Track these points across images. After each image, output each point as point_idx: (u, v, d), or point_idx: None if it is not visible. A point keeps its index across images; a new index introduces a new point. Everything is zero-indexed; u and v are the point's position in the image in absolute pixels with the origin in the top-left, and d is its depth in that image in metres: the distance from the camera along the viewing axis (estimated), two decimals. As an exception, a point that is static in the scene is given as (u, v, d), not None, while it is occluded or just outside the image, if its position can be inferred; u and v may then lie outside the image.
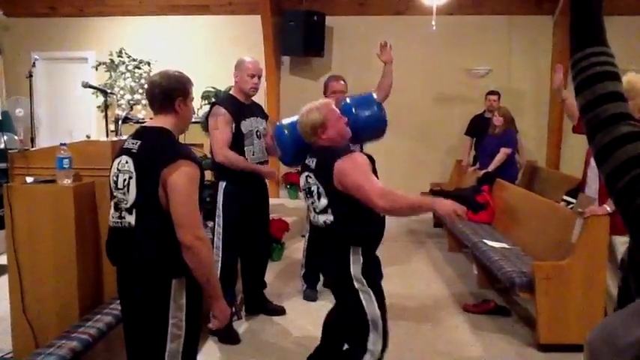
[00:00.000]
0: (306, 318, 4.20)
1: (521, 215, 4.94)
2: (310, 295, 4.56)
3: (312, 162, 2.76)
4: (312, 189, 2.74)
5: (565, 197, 4.86)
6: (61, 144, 2.97)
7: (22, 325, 2.98)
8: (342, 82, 4.43)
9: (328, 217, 2.68)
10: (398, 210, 2.60)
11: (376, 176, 2.71)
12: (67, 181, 2.95)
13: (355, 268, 2.66)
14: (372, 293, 2.68)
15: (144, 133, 2.26)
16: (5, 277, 2.99)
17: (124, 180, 2.17)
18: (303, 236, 4.80)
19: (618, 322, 0.92)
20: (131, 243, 2.18)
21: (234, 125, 3.81)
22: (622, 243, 3.43)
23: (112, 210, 2.24)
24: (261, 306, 4.25)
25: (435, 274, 5.37)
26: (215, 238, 3.89)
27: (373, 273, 2.73)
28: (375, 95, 3.87)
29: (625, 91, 3.92)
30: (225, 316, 2.28)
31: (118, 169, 2.20)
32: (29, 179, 3.07)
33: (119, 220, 2.20)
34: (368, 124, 3.64)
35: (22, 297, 2.97)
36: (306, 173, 2.79)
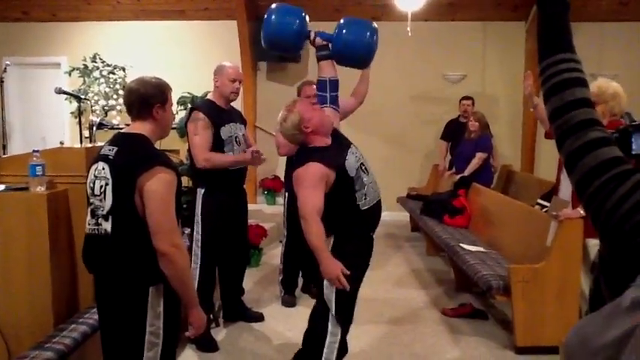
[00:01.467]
0: (284, 324, 4.19)
1: (497, 219, 5.00)
2: (288, 301, 4.55)
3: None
4: None
5: (539, 201, 4.92)
6: (34, 150, 2.92)
7: (-5, 336, 2.91)
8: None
9: None
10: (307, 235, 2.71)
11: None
12: (41, 189, 2.90)
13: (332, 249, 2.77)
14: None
15: (121, 140, 2.24)
16: (-23, 287, 2.92)
17: (101, 186, 2.14)
18: (281, 242, 4.79)
19: (592, 325, 0.94)
20: (107, 250, 2.15)
21: (213, 131, 3.79)
22: (595, 245, 3.49)
23: (89, 217, 2.22)
24: (240, 313, 4.22)
25: (413, 277, 5.40)
26: (193, 245, 3.85)
27: (344, 259, 2.76)
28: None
29: (595, 95, 3.97)
30: (202, 324, 2.26)
31: (94, 176, 2.18)
32: (1, 187, 3.01)
33: (95, 227, 2.18)
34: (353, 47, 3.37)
35: (-6, 307, 2.90)
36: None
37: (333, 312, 2.80)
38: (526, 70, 7.31)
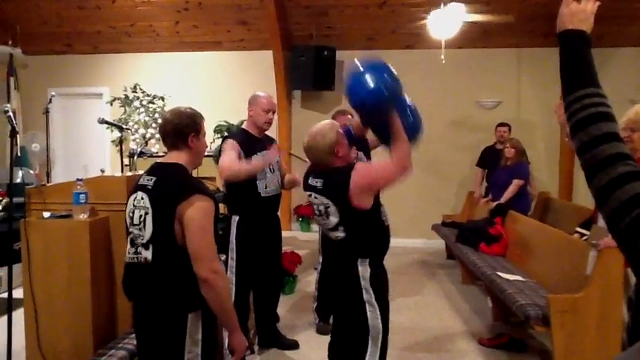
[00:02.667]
0: (318, 351, 4.16)
1: (535, 247, 4.91)
2: (323, 329, 4.53)
3: (317, 182, 2.75)
4: (320, 209, 2.75)
5: (578, 229, 4.81)
6: (78, 179, 3.02)
7: (37, 359, 2.98)
8: (350, 116, 4.46)
9: (340, 234, 2.71)
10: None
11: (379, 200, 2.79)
12: (84, 216, 2.99)
13: (364, 279, 2.67)
14: (377, 306, 2.67)
15: (158, 170, 2.30)
16: (21, 311, 3.01)
17: (140, 216, 2.20)
18: (316, 269, 4.79)
19: (631, 357, 0.93)
20: (148, 278, 2.20)
21: (244, 158, 3.82)
22: (637, 275, 3.40)
23: (128, 246, 2.27)
24: (274, 340, 4.23)
25: (448, 306, 5.33)
26: (228, 272, 3.90)
27: (381, 284, 2.72)
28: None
29: (632, 122, 3.89)
30: (243, 348, 2.27)
31: (134, 205, 2.24)
32: (46, 214, 3.11)
33: (135, 256, 2.23)
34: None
35: (37, 331, 2.98)
36: (312, 194, 2.78)
37: (380, 338, 2.70)
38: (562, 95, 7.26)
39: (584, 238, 4.35)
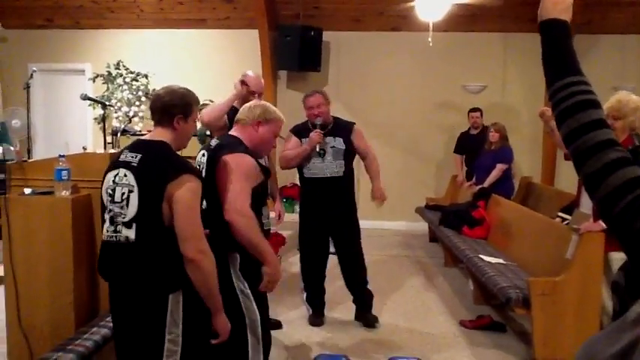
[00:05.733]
0: (302, 331, 4.19)
1: (517, 231, 4.96)
2: (315, 322, 4.41)
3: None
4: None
5: (560, 214, 4.88)
6: (60, 155, 2.98)
7: (17, 337, 2.96)
8: (319, 95, 4.30)
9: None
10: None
11: (265, 191, 2.75)
12: (66, 193, 2.95)
13: (234, 268, 2.57)
14: (251, 296, 2.59)
15: (144, 147, 2.24)
16: (1, 288, 2.98)
17: (123, 193, 2.15)
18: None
19: (601, 339, 0.96)
20: (128, 257, 2.16)
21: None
22: (618, 259, 3.45)
23: (107, 224, 2.21)
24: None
25: (430, 288, 5.38)
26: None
27: (254, 273, 2.58)
28: None
29: (615, 110, 3.91)
30: (226, 330, 2.27)
31: (114, 182, 2.18)
32: (27, 190, 3.07)
33: (114, 235, 2.17)
34: None
35: (18, 308, 2.95)
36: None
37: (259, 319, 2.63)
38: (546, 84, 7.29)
39: (566, 222, 4.41)
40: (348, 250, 4.38)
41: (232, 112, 3.93)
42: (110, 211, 2.19)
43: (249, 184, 2.52)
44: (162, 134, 2.25)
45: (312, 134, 4.17)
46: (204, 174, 2.51)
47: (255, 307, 2.59)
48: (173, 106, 2.23)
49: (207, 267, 2.13)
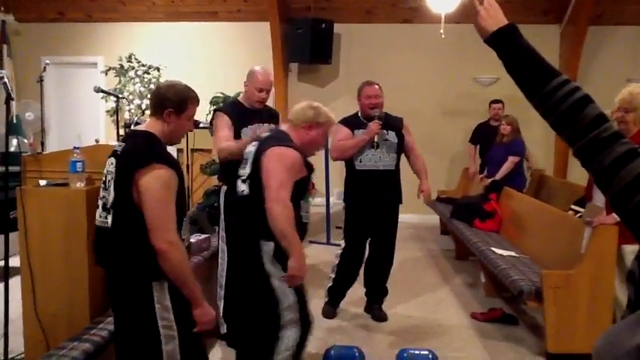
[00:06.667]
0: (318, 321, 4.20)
1: (529, 224, 4.94)
2: (329, 313, 4.42)
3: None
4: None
5: (573, 206, 4.85)
6: (75, 147, 3.00)
7: (34, 327, 2.99)
8: (376, 86, 4.34)
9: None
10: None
11: (307, 185, 2.88)
12: (80, 184, 2.97)
13: (267, 255, 2.71)
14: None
15: (130, 136, 2.33)
16: (18, 279, 3.01)
17: (109, 180, 2.22)
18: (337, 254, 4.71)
19: (622, 329, 0.95)
20: (110, 243, 2.21)
21: (234, 132, 3.72)
22: (632, 252, 3.43)
23: (99, 209, 2.28)
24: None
25: (442, 281, 5.38)
26: (220, 242, 3.88)
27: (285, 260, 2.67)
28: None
29: (626, 102, 3.86)
30: (207, 320, 2.25)
31: (106, 170, 2.26)
32: (42, 182, 3.10)
33: (101, 220, 2.25)
34: None
35: (34, 299, 2.98)
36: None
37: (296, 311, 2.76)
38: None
39: (579, 215, 4.38)
40: (385, 243, 4.36)
41: (238, 109, 3.88)
42: (103, 197, 2.26)
43: (293, 177, 2.65)
44: (151, 125, 2.29)
45: (371, 124, 4.16)
46: (251, 162, 2.71)
47: (291, 289, 2.70)
48: (166, 99, 2.26)
49: (176, 258, 2.11)
